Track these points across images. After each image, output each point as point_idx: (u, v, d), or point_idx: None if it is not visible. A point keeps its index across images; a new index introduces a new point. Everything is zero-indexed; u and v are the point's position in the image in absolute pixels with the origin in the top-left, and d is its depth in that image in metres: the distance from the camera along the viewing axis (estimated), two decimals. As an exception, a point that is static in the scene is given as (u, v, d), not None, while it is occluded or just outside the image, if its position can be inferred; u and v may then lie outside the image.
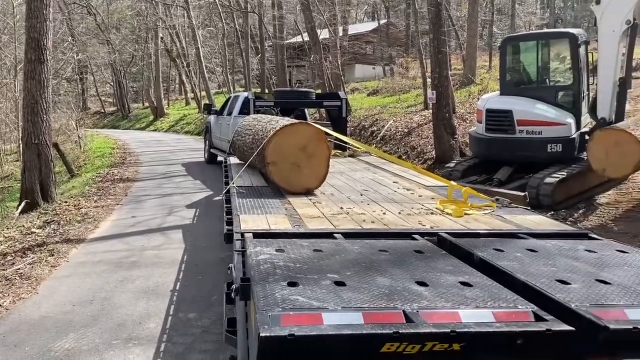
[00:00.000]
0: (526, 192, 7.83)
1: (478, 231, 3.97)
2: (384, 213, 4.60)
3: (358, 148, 8.45)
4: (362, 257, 3.11)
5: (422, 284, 2.63)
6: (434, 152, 11.80)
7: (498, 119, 9.06)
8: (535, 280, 2.73)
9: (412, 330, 2.08)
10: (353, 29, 37.72)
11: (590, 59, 9.10)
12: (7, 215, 9.00)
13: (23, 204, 8.75)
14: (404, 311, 2.25)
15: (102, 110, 47.02)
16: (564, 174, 8.25)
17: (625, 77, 8.28)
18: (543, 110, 8.73)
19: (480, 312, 2.29)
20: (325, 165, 5.50)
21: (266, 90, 25.01)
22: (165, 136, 28.18)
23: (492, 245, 3.49)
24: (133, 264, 6.11)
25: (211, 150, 14.33)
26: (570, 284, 2.70)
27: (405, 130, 14.15)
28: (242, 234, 3.63)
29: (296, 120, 5.95)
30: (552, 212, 8.21)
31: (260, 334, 1.95)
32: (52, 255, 6.41)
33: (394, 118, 15.50)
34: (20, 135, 9.32)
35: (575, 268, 3.00)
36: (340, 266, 2.89)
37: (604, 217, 7.90)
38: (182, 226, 7.91)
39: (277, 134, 5.43)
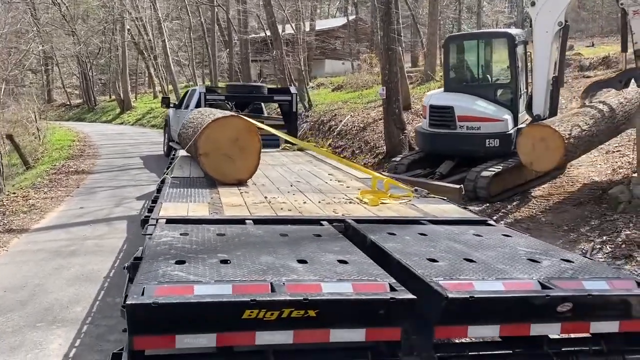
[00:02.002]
0: (462, 185, 8.19)
1: (384, 218, 4.27)
2: (305, 202, 4.86)
3: (292, 142, 8.74)
4: (259, 240, 3.36)
5: (302, 261, 2.89)
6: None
7: (440, 115, 9.41)
8: (408, 258, 3.02)
9: (269, 298, 2.33)
10: (322, 25, 37.90)
11: (529, 58, 9.51)
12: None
13: (-31, 194, 8.78)
14: (271, 283, 2.50)
15: (68, 103, 46.26)
16: (499, 168, 8.64)
17: (558, 75, 8.71)
18: (482, 106, 9.12)
19: (341, 284, 2.56)
20: (257, 158, 5.74)
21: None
22: (130, 129, 28.00)
23: (388, 230, 3.78)
24: (72, 252, 6.26)
25: (170, 143, 14.37)
26: (438, 261, 3.00)
27: (361, 125, 14.46)
28: (157, 220, 3.85)
29: (229, 113, 6.17)
30: (488, 204, 8.63)
31: (126, 302, 2.18)
32: (-8, 244, 6.52)
33: (352, 113, 15.80)
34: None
35: (452, 249, 3.30)
36: (234, 247, 3.13)
37: (535, 208, 8.32)
38: (129, 217, 8.05)
39: (209, 126, 5.64)
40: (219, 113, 6.27)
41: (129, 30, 36.53)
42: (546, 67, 8.58)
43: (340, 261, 2.93)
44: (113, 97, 42.22)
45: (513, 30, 9.45)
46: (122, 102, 37.73)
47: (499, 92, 9.37)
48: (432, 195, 5.49)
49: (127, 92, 38.03)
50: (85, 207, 8.64)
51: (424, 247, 3.33)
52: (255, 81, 29.89)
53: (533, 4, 8.58)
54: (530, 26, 8.76)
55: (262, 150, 8.81)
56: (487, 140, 9.01)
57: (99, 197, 9.53)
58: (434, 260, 3.00)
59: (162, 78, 35.88)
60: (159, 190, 5.42)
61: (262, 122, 10.81)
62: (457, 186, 8.17)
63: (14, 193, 9.58)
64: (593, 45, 22.03)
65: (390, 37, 10.98)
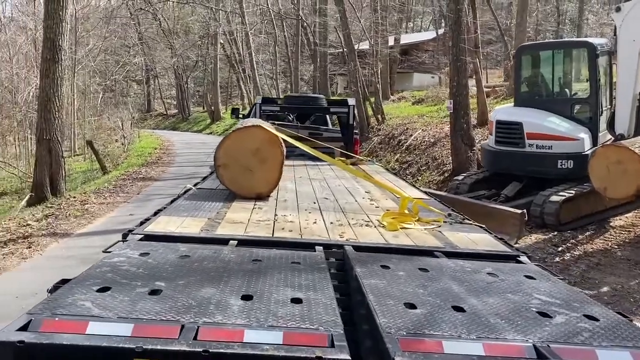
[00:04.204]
0: (524, 210, 7.31)
1: (392, 246, 3.70)
2: (315, 222, 4.38)
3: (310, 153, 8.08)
4: (223, 265, 2.94)
5: (247, 297, 2.43)
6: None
7: (508, 131, 8.57)
8: (381, 301, 2.47)
9: (161, 347, 1.90)
10: (411, 38, 37.37)
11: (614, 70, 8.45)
12: (15, 206, 9.43)
13: (27, 196, 9.15)
14: (182, 325, 2.07)
15: (165, 113, 48.90)
16: (572, 193, 7.68)
17: (647, 90, 7.63)
18: (554, 123, 8.17)
19: (269, 333, 2.07)
20: (278, 170, 5.34)
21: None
22: (215, 139, 28.72)
23: (385, 261, 3.22)
24: (99, 260, 6.19)
25: (237, 153, 14.46)
26: (416, 308, 2.42)
27: (432, 140, 13.72)
28: (135, 235, 3.56)
29: (254, 122, 5.84)
30: (556, 233, 7.66)
31: (-13, 338, 1.85)
32: (29, 247, 6.62)
33: (424, 127, 15.08)
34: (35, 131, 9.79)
35: (445, 292, 2.69)
36: (183, 274, 2.73)
37: (611, 240, 7.27)
38: (171, 226, 7.97)
39: (229, 137, 5.35)
40: (249, 123, 5.99)
41: (221, 44, 38.01)
42: (632, 80, 7.56)
43: (294, 300, 2.44)
44: (206, 108, 44.06)
45: (595, 40, 8.41)
46: (212, 113, 39.25)
47: (577, 107, 8.36)
48: (469, 222, 4.81)
49: (217, 103, 39.48)
50: (134, 215, 8.70)
51: (413, 286, 2.75)
52: (338, 94, 29.80)
53: (618, 9, 7.61)
54: (615, 34, 7.75)
55: (313, 163, 8.47)
56: (559, 161, 8.05)
57: (153, 205, 9.55)
58: (412, 307, 2.43)
59: (249, 90, 36.83)
60: (172, 201, 5.20)
61: (321, 135, 10.45)
62: (519, 211, 7.30)
63: (74, 197, 9.87)
64: None
65: (460, 47, 10.25)
